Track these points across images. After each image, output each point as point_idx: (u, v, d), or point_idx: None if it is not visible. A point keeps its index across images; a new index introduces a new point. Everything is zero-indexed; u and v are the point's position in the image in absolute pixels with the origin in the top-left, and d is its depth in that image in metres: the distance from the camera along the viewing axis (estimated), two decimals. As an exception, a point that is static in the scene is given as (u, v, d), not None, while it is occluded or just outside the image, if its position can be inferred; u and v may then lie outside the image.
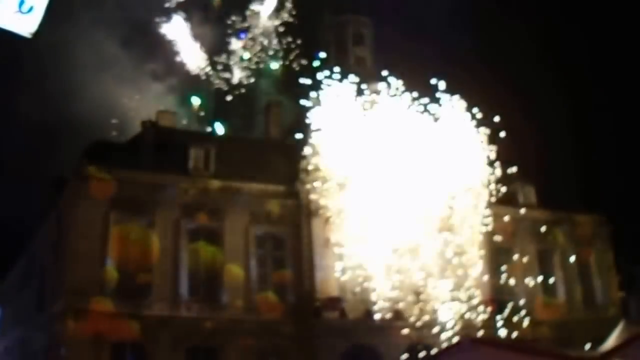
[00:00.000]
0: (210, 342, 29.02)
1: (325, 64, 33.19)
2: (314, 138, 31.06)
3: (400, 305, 31.37)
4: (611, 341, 23.66)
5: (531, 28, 50.32)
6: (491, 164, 31.59)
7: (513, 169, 33.27)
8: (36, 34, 10.43)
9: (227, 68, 37.12)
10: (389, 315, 30.77)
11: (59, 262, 30.55)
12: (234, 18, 37.16)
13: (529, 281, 36.13)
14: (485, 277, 33.04)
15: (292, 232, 32.21)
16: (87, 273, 28.35)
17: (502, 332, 31.74)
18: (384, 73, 31.33)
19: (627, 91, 53.09)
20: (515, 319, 32.99)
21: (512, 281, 35.27)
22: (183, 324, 28.78)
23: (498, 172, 31.77)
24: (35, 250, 36.05)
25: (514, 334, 31.66)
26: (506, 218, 34.89)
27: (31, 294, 35.36)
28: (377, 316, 30.73)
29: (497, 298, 34.26)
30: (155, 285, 29.32)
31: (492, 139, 31.50)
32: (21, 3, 10.06)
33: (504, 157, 32.09)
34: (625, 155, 49.41)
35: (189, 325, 28.68)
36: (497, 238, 34.28)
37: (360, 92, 30.98)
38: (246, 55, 37.36)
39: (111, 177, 29.59)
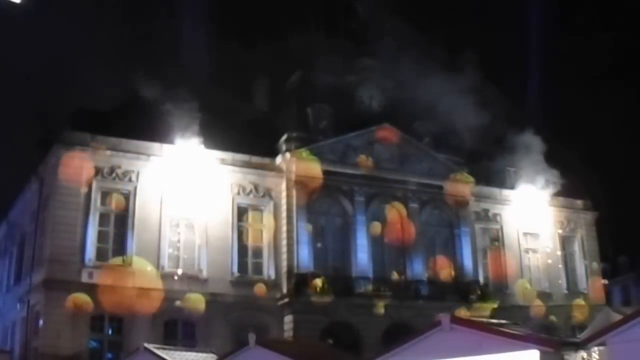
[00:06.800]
0: (190, 316, 28.71)
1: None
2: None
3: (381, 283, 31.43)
4: (593, 327, 23.59)
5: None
6: None
7: None
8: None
9: None
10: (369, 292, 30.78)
11: (39, 231, 30.14)
12: None
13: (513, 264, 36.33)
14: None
15: (274, 204, 31.96)
16: (67, 243, 27.98)
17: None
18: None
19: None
20: (496, 302, 33.07)
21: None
22: (163, 296, 28.45)
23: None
24: (15, 219, 35.59)
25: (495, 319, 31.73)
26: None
27: (10, 263, 34.97)
28: (356, 293, 30.63)
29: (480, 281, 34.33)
30: (136, 256, 28.92)
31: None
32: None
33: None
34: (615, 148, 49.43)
35: (169, 298, 28.36)
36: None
37: None
38: None
39: (95, 145, 29.21)
